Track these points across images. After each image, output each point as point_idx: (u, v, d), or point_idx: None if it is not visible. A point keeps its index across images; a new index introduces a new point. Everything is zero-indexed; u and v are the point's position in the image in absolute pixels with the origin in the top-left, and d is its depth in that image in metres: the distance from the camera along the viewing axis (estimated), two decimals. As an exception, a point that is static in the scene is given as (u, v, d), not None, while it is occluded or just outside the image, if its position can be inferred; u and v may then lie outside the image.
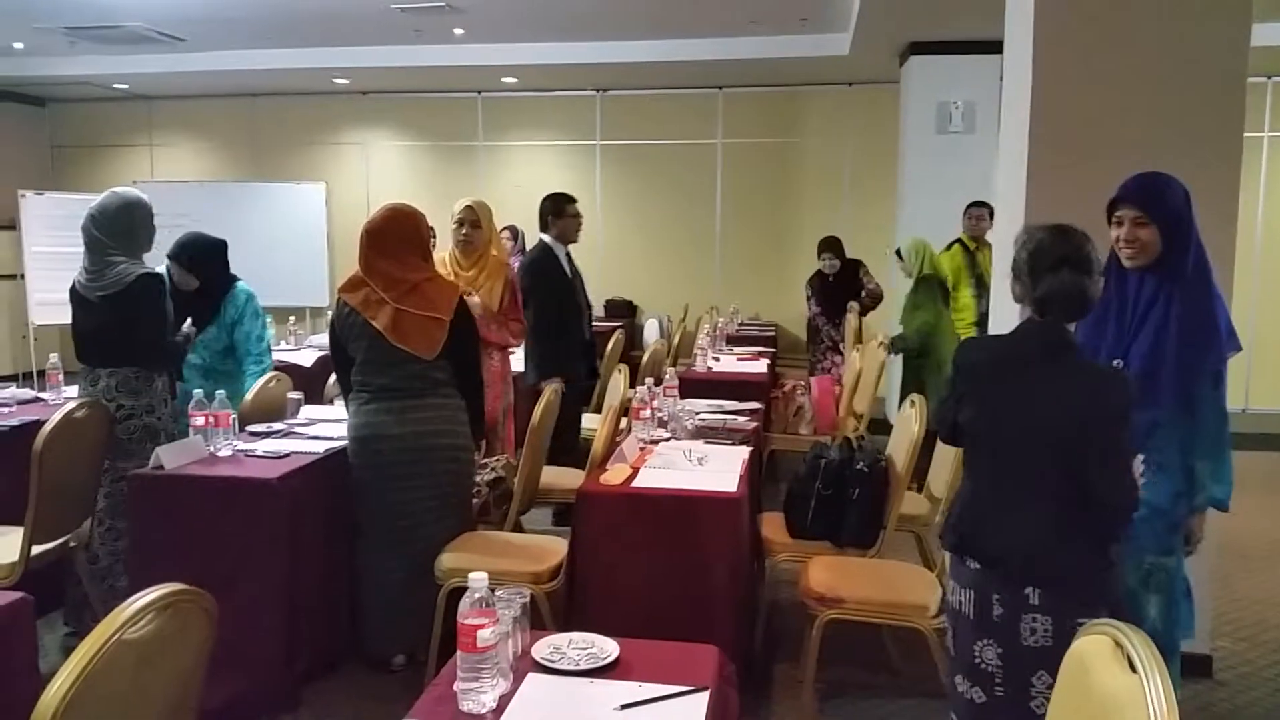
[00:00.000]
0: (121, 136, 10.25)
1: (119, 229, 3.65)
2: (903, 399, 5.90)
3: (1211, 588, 3.57)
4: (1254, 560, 4.82)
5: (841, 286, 6.89)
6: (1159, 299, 2.52)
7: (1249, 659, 3.73)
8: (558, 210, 5.00)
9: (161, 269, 4.23)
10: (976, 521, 2.19)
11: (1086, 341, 2.61)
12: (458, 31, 7.77)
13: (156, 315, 3.68)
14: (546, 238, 5.00)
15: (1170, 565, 2.57)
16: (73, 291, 3.69)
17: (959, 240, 6.35)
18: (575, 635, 2.03)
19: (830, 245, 6.91)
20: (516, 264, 6.54)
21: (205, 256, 4.21)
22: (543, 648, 1.97)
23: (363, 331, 3.39)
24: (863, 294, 6.88)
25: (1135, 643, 1.43)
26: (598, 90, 9.40)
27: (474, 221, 4.24)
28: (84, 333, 3.68)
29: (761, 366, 6.15)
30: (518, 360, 5.44)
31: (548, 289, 4.87)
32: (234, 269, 4.34)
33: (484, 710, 1.73)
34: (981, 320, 6.13)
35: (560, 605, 3.22)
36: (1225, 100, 3.33)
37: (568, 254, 5.05)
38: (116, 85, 9.48)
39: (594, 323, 8.47)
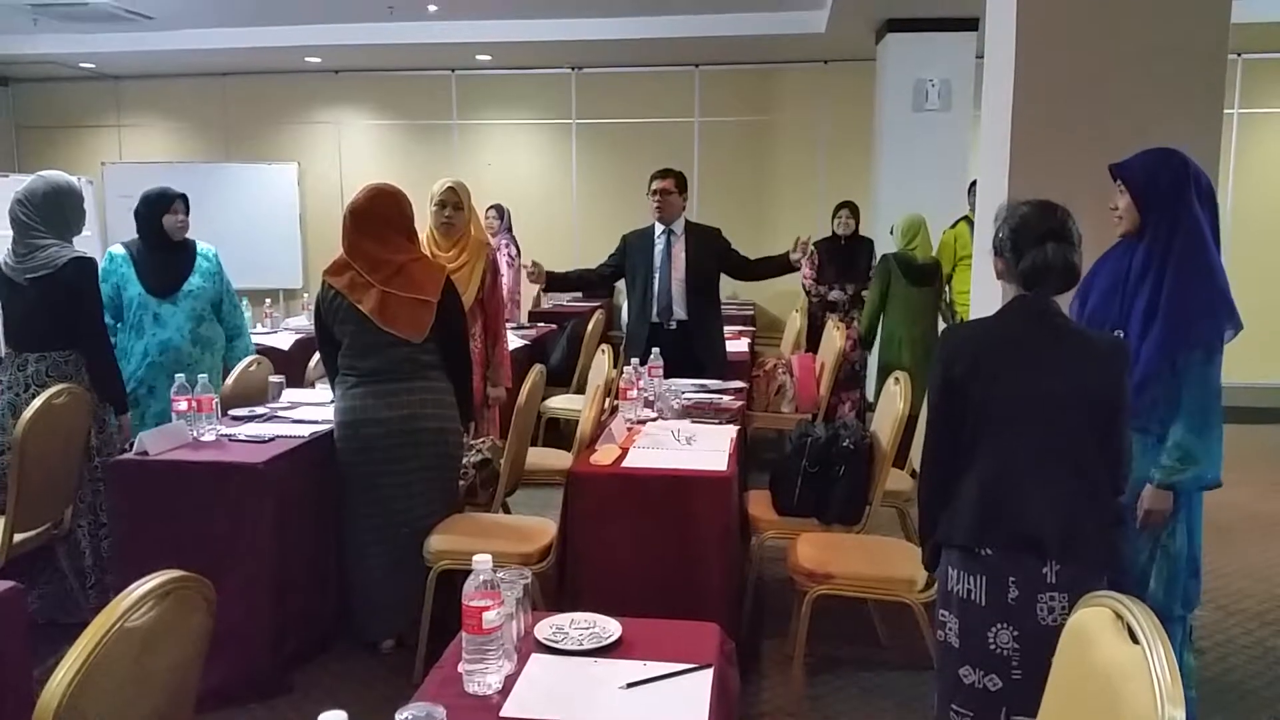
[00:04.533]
0: (89, 117, 10.05)
1: (47, 212, 3.59)
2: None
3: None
4: (1231, 533, 4.90)
5: (850, 254, 6.65)
6: (1150, 268, 2.57)
7: (1226, 628, 3.80)
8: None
9: (118, 249, 4.21)
10: (1000, 506, 2.17)
11: (1095, 313, 2.65)
12: (431, 8, 7.68)
13: (93, 297, 3.64)
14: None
15: (1166, 541, 2.61)
16: (0, 275, 3.62)
17: (964, 218, 6.18)
18: (577, 615, 2.03)
19: (848, 204, 6.71)
20: (503, 244, 6.48)
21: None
22: (545, 628, 1.97)
23: (349, 315, 3.36)
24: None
25: (1136, 613, 1.45)
26: (573, 68, 9.33)
27: (456, 203, 4.20)
28: (12, 316, 3.64)
29: (742, 345, 6.16)
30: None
31: None
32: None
33: (490, 691, 1.74)
34: None
35: (550, 586, 3.23)
36: (1206, 76, 3.35)
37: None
38: (83, 64, 9.29)
39: (573, 303, 8.55)
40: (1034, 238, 2.18)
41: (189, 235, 4.29)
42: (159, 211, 4.10)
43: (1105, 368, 2.16)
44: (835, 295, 6.60)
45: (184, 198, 4.18)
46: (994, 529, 2.17)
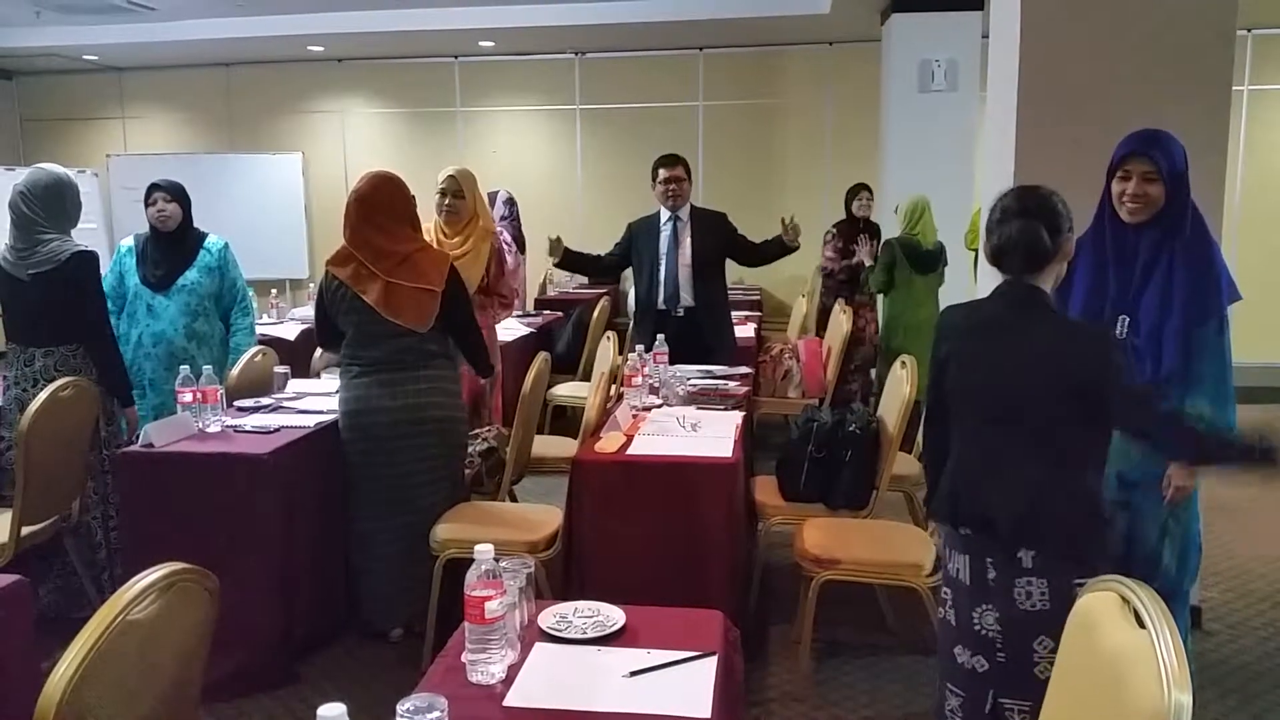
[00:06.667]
0: (93, 109, 10.05)
1: (49, 204, 3.57)
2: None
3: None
4: (1238, 514, 4.87)
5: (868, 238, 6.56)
6: (1162, 254, 2.53)
7: (1236, 609, 3.78)
8: None
9: (128, 240, 4.24)
10: (966, 486, 2.17)
11: (1088, 300, 2.61)
12: (433, -5, 7.66)
13: (97, 291, 3.64)
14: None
15: (1181, 512, 2.60)
16: (0, 270, 3.60)
17: None
18: (580, 604, 2.03)
19: (866, 186, 6.68)
20: (505, 232, 6.46)
21: (184, 192, 4.23)
22: (549, 617, 1.97)
23: (353, 305, 3.36)
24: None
25: (1143, 598, 1.44)
26: (576, 53, 9.29)
27: (456, 191, 4.19)
28: (15, 312, 3.62)
29: (749, 330, 6.14)
30: (504, 330, 5.39)
31: None
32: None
33: (494, 681, 1.73)
34: None
35: (556, 573, 3.23)
36: (1214, 53, 3.32)
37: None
38: (86, 56, 9.28)
39: (579, 290, 8.53)
40: (1007, 219, 2.15)
41: (200, 228, 4.30)
42: (145, 204, 4.18)
43: (1086, 353, 2.10)
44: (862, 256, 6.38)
45: (169, 188, 4.16)
46: (962, 510, 2.17)
